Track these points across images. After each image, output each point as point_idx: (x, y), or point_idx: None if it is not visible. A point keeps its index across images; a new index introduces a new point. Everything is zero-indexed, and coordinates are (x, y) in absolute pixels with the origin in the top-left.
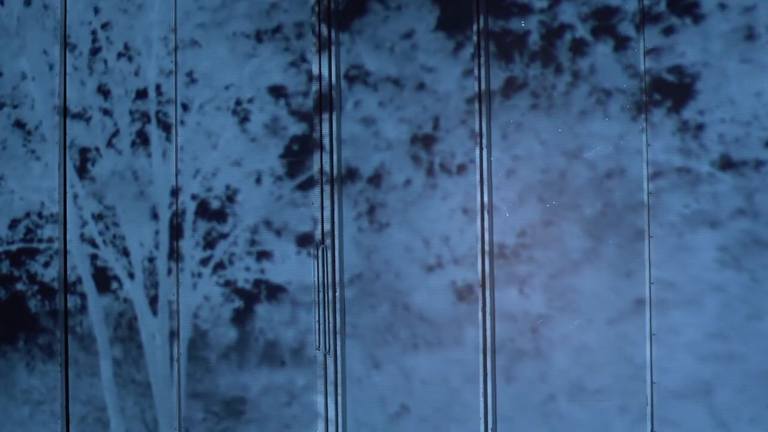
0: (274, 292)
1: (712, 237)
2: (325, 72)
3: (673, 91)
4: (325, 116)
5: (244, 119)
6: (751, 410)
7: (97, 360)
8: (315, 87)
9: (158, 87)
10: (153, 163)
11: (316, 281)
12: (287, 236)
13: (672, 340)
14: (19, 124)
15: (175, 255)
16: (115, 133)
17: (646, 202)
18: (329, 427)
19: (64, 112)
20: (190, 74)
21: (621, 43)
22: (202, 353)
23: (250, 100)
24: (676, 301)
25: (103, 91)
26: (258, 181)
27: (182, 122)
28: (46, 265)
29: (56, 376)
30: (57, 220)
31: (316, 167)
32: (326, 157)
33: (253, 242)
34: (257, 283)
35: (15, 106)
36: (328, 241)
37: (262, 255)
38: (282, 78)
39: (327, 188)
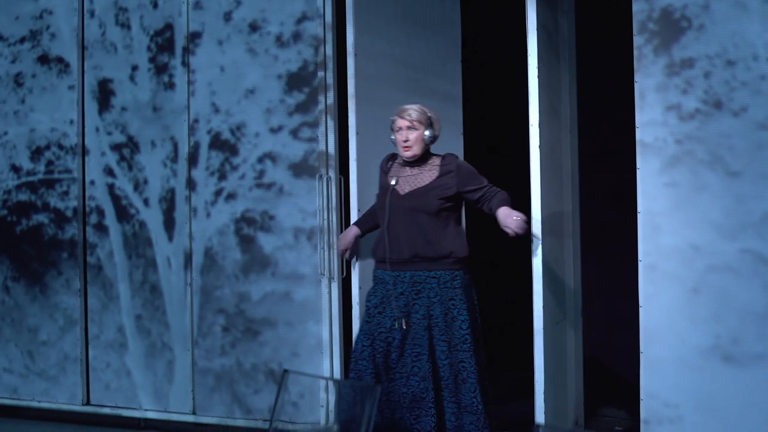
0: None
1: None
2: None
3: None
4: None
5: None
6: None
7: (116, 284)
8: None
9: (180, 24)
10: (174, 95)
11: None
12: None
13: None
14: (44, 56)
15: (190, 184)
16: (136, 67)
17: None
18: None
19: (83, 44)
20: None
21: None
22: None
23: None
24: None
25: (126, 25)
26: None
27: (202, 61)
28: (66, 194)
29: (77, 301)
30: (77, 152)
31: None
32: None
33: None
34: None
35: (40, 40)
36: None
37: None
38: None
39: None
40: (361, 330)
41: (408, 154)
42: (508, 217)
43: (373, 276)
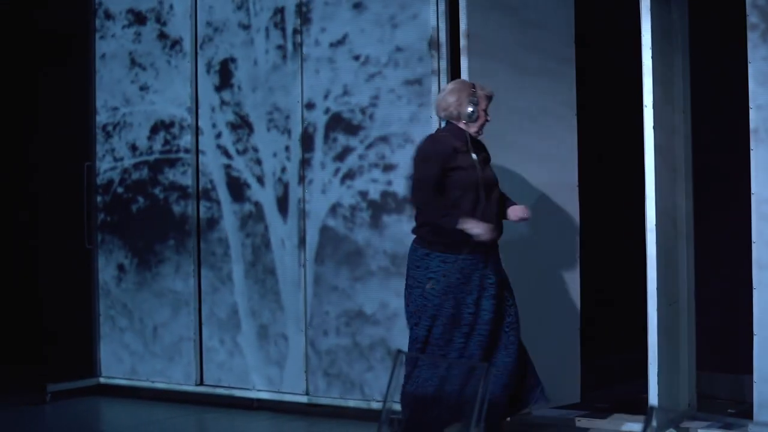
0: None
1: None
2: None
3: None
4: None
5: None
6: None
7: (230, 264)
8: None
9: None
10: (288, 75)
11: None
12: None
13: None
14: (163, 36)
15: (304, 165)
16: (253, 46)
17: None
18: None
19: (195, 27)
20: None
21: None
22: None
23: None
24: None
25: (244, 6)
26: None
27: (317, 41)
28: (183, 174)
29: (191, 281)
30: (192, 132)
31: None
32: None
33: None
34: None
35: (159, 20)
36: None
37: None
38: None
39: None
40: (454, 325)
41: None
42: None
43: (465, 257)
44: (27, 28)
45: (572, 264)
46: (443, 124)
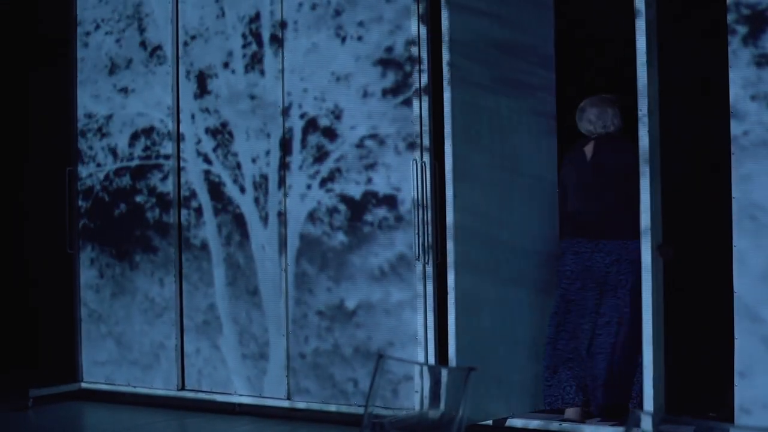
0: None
1: None
2: None
3: None
4: None
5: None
6: None
7: (211, 269)
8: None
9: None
10: (266, 82)
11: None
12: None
13: None
14: (143, 44)
15: (284, 169)
16: (230, 54)
17: None
18: None
19: (176, 33)
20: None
21: None
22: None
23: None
24: None
25: (220, 14)
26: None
27: (294, 47)
28: (163, 179)
29: (172, 286)
30: (173, 138)
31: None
32: None
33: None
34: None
35: (139, 27)
36: None
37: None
38: None
39: None
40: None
41: None
42: None
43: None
44: (18, 30)
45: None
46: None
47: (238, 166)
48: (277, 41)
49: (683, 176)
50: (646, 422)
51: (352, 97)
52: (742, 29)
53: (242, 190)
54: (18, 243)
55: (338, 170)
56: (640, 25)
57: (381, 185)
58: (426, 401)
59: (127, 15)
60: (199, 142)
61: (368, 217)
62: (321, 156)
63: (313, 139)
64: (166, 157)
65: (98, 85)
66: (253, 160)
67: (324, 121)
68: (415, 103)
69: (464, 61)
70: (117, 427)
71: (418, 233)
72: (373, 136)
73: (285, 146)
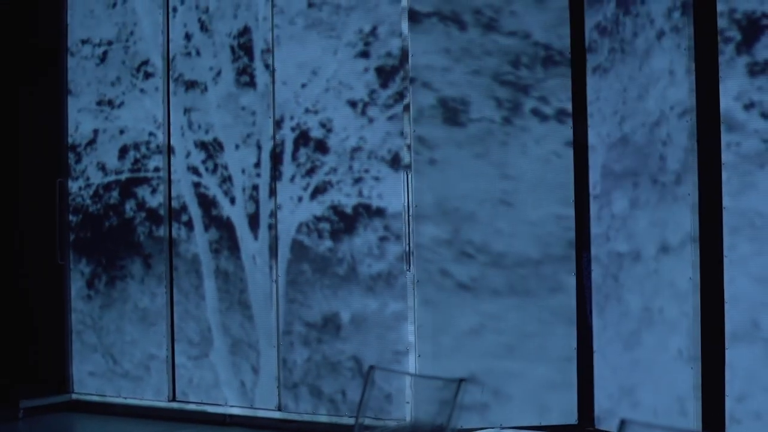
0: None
1: None
2: None
3: None
4: None
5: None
6: None
7: (202, 281)
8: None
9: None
10: (255, 94)
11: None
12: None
13: None
14: (132, 59)
15: (275, 181)
16: (219, 69)
17: None
18: None
19: (167, 47)
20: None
21: None
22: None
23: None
24: None
25: (209, 29)
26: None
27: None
28: (153, 192)
29: (162, 297)
30: (162, 151)
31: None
32: None
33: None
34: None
35: (128, 41)
36: None
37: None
38: None
39: None
40: None
41: None
42: None
43: None
44: (9, 43)
45: None
46: None
47: (229, 178)
48: (268, 53)
49: None
50: None
51: (342, 109)
52: (737, 36)
53: (232, 201)
54: (9, 254)
55: (329, 182)
56: None
57: (372, 197)
58: (416, 412)
59: (117, 29)
60: (188, 155)
61: (360, 229)
62: (312, 168)
63: (305, 151)
64: (157, 169)
65: (88, 98)
66: (243, 171)
67: (316, 133)
68: (405, 116)
69: None
70: None
71: (408, 244)
72: (362, 148)
73: (275, 158)
